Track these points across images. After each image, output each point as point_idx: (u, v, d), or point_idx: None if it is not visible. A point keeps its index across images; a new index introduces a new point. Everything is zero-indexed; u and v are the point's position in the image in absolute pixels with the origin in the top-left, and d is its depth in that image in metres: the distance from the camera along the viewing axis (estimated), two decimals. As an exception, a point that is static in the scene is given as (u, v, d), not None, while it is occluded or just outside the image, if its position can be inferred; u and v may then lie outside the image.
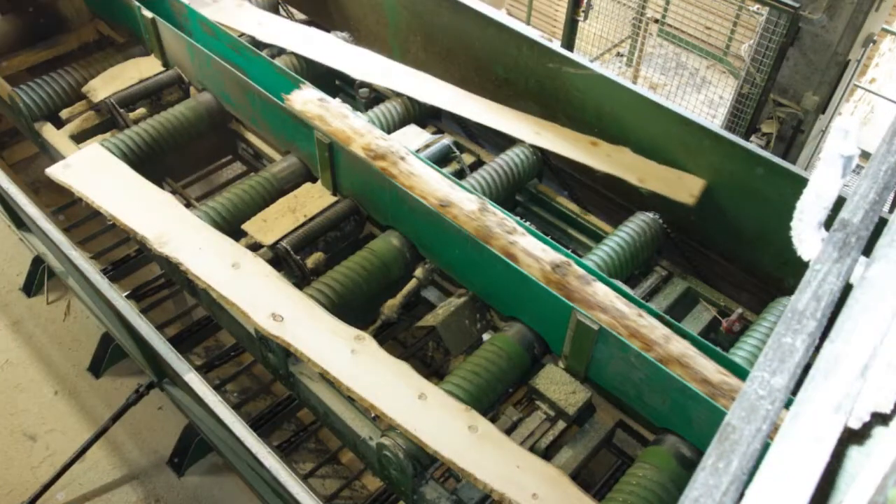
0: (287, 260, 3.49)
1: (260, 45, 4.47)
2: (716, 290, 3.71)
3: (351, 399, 2.98)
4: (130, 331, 3.49)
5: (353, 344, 2.92)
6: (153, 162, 3.97)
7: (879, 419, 0.98)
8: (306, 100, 3.72)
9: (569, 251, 3.22)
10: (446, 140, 4.09)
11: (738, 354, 3.13)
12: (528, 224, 3.31)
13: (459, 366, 3.05)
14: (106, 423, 4.20)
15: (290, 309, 3.00)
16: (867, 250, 1.08)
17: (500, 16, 4.24)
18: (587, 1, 5.62)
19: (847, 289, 1.03)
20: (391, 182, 3.34)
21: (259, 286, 3.09)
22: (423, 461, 2.76)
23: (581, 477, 3.17)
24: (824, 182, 1.13)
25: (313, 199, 3.70)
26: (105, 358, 4.83)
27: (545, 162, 4.05)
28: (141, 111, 4.23)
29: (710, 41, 7.05)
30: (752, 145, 3.49)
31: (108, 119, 4.25)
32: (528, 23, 7.84)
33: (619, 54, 7.47)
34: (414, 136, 4.07)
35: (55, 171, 3.56)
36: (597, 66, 3.87)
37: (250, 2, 4.88)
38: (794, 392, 0.91)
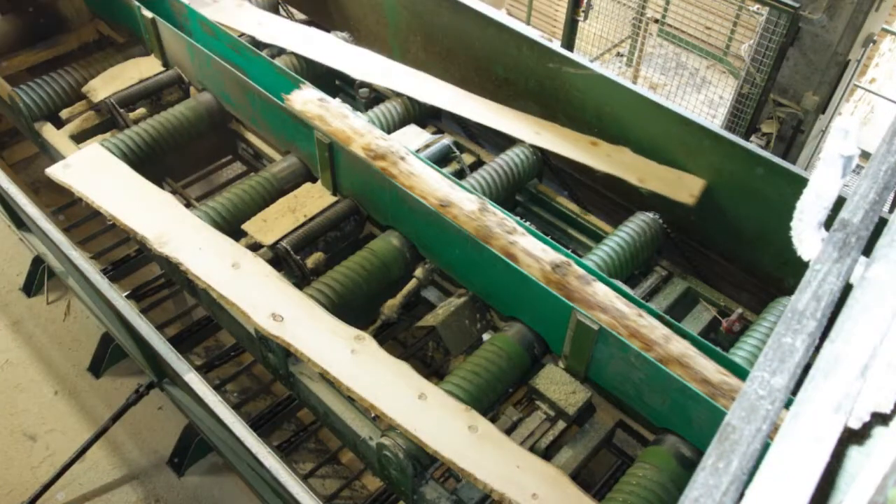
0: (287, 260, 3.49)
1: (260, 45, 4.47)
2: (716, 290, 3.71)
3: (351, 399, 2.98)
4: (130, 331, 3.49)
5: (353, 344, 2.92)
6: (153, 162, 3.97)
7: (879, 419, 0.98)
8: (306, 100, 3.72)
9: (569, 251, 3.22)
10: (446, 140, 4.09)
11: (738, 354, 3.13)
12: (528, 224, 3.31)
13: (459, 366, 3.05)
14: (106, 423, 4.20)
15: (290, 309, 3.00)
16: (867, 250, 1.08)
17: (500, 16, 4.24)
18: (587, 1, 5.62)
19: (847, 289, 1.03)
20: (391, 182, 3.34)
21: (259, 286, 3.09)
22: (423, 461, 2.76)
23: (581, 477, 3.17)
24: (824, 182, 1.13)
25: (313, 199, 3.70)
26: (105, 358, 4.83)
27: (545, 162, 4.05)
28: (141, 111, 4.23)
29: (710, 41, 7.05)
30: (752, 145, 3.49)
31: (108, 119, 4.25)
32: (528, 23, 7.84)
33: (619, 54, 7.47)
34: (414, 136, 4.07)
35: (55, 171, 3.56)
36: (597, 66, 3.87)
37: (250, 2, 4.88)
38: (794, 392, 0.91)
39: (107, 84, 4.29)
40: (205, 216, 3.48)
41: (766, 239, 3.55)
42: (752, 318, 3.50)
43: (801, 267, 1.05)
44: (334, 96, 3.88)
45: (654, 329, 2.88)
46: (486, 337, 3.42)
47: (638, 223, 3.65)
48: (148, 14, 4.24)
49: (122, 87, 4.25)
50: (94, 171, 3.58)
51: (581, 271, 3.06)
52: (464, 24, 4.29)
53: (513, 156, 3.91)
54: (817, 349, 0.95)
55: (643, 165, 3.77)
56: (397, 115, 4.20)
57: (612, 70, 6.61)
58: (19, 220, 4.69)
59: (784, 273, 3.57)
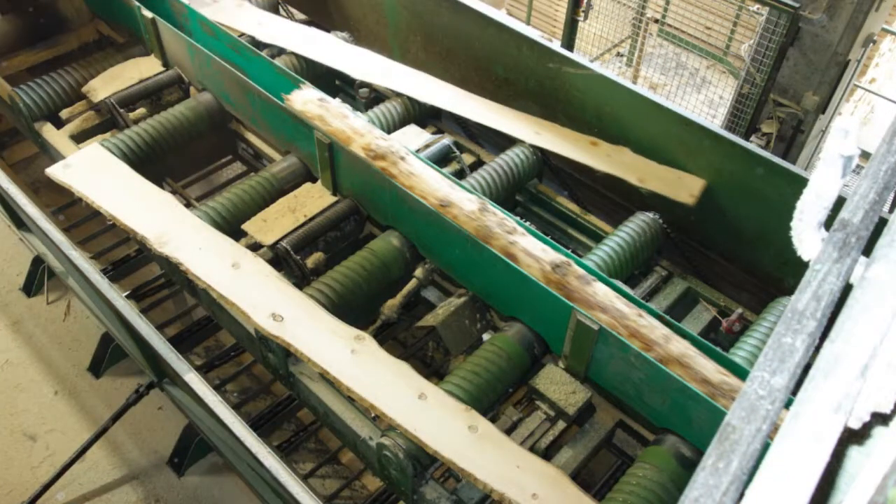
0: (287, 260, 3.49)
1: (260, 45, 4.47)
2: (716, 290, 3.71)
3: (351, 399, 2.98)
4: (130, 331, 3.49)
5: (353, 344, 2.92)
6: (153, 162, 3.97)
7: (879, 419, 0.98)
8: (306, 100, 3.72)
9: (569, 251, 3.22)
10: (446, 140, 4.09)
11: (738, 354, 3.13)
12: (528, 224, 3.31)
13: (459, 366, 3.05)
14: (106, 423, 4.20)
15: (290, 309, 3.00)
16: (867, 250, 1.08)
17: (500, 16, 4.24)
18: (587, 1, 5.62)
19: (847, 289, 1.02)
20: (391, 182, 3.34)
21: (259, 286, 3.09)
22: (423, 461, 2.76)
23: (581, 477, 3.17)
24: (824, 182, 1.13)
25: (313, 199, 3.70)
26: (105, 358, 4.83)
27: (545, 162, 4.05)
28: (141, 111, 4.23)
29: (710, 41, 7.05)
30: (752, 145, 3.49)
31: (108, 119, 4.25)
32: (528, 23, 7.84)
33: (619, 54, 7.47)
34: (414, 136, 4.07)
35: (55, 171, 3.56)
36: (597, 66, 3.87)
37: (250, 2, 4.88)
38: (794, 392, 0.91)
39: (107, 84, 4.29)
40: (205, 216, 3.48)
41: (766, 239, 3.54)
42: (752, 318, 3.50)
43: (801, 267, 1.05)
44: (334, 96, 3.88)
45: (654, 329, 2.88)
46: (486, 337, 3.42)
47: (638, 223, 3.65)
48: (148, 14, 4.24)
49: (122, 87, 4.25)
50: (94, 171, 3.58)
51: (581, 271, 3.06)
52: (464, 24, 4.29)
53: (513, 156, 3.91)
54: (817, 349, 0.95)
55: (643, 165, 3.77)
56: (397, 115, 4.20)
57: (612, 70, 6.61)
58: (19, 220, 4.69)
59: (784, 273, 3.57)
